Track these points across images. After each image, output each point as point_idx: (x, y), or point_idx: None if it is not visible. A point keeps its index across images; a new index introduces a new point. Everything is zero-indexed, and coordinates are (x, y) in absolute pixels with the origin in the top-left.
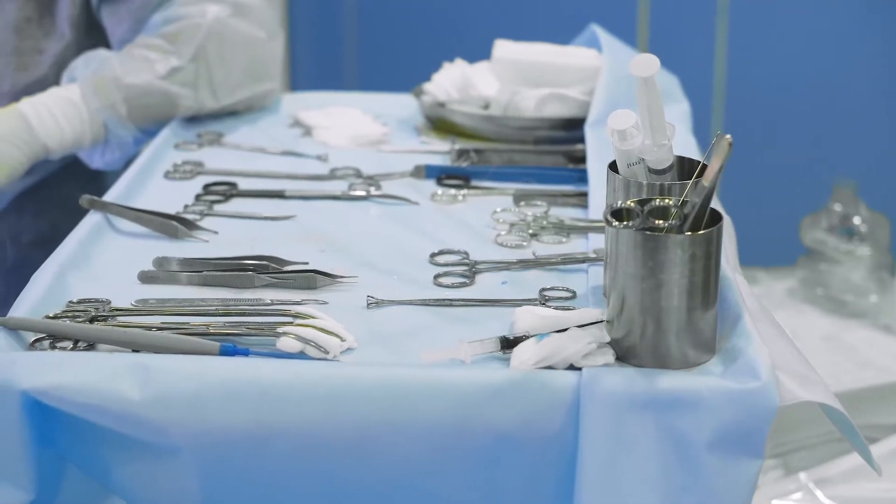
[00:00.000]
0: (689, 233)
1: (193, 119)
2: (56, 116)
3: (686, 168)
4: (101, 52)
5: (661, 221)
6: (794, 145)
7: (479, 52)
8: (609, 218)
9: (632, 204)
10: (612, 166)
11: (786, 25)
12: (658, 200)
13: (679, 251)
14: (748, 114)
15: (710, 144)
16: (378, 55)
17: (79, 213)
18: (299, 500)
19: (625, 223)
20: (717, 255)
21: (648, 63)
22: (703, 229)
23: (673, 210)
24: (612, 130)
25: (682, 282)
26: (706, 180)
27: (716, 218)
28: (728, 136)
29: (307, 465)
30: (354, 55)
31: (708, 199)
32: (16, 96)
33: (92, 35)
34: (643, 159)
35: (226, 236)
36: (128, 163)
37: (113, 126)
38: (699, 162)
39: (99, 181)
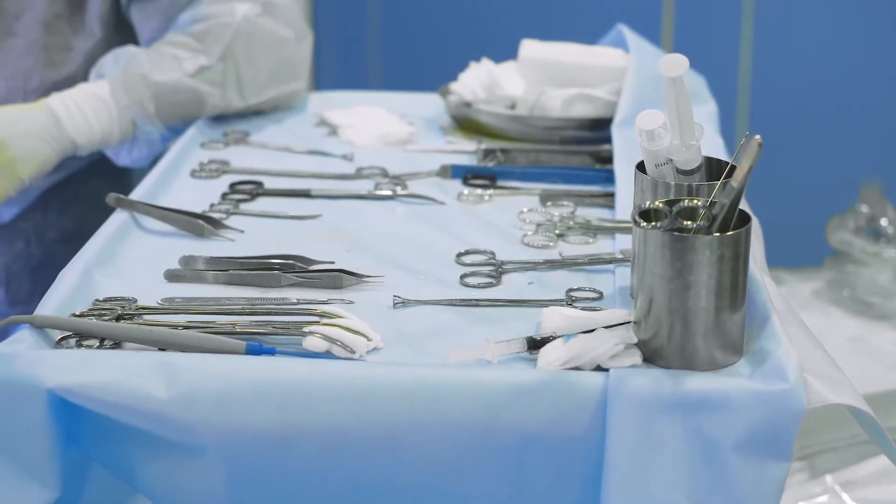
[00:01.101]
0: (718, 234)
1: (220, 118)
2: (85, 112)
3: (714, 169)
4: (130, 49)
5: (689, 222)
6: (820, 146)
7: (502, 51)
8: (637, 218)
9: (660, 204)
10: (640, 167)
11: (811, 25)
12: (686, 201)
13: (707, 252)
14: (773, 114)
15: (739, 145)
16: (402, 55)
17: (104, 211)
18: (325, 500)
19: (653, 224)
20: (746, 256)
21: (677, 63)
22: (732, 230)
23: (701, 211)
24: (641, 131)
25: (710, 283)
26: (735, 181)
27: (744, 219)
28: (758, 136)
29: (333, 465)
30: (378, 55)
31: (737, 200)
32: (45, 93)
33: (121, 33)
34: (671, 160)
35: (252, 235)
36: (154, 161)
37: (141, 123)
38: (727, 163)
39: (125, 178)
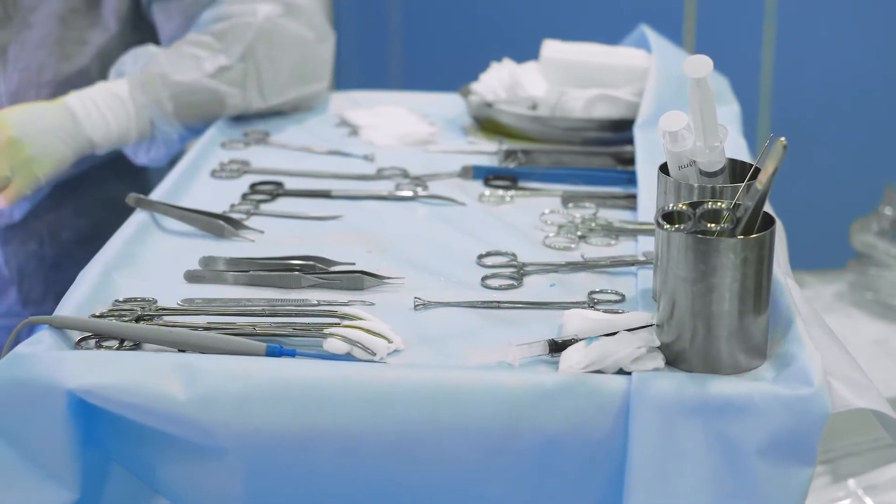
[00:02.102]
0: (742, 237)
1: (240, 118)
2: (102, 111)
3: (738, 170)
4: (149, 49)
5: (712, 225)
6: (843, 147)
7: (522, 52)
8: (660, 221)
9: (683, 207)
10: (663, 168)
11: (833, 26)
12: (710, 203)
13: (731, 255)
14: (795, 115)
15: (763, 147)
16: (422, 54)
17: (120, 212)
18: (345, 502)
19: (676, 226)
20: (770, 259)
21: (701, 64)
22: (756, 233)
23: (725, 213)
24: (664, 132)
25: (733, 286)
26: (760, 183)
27: (768, 221)
28: (783, 139)
29: (353, 468)
30: (398, 54)
31: (761, 202)
32: (57, 86)
33: (138, 29)
34: (695, 161)
35: (272, 236)
36: (173, 160)
37: (159, 123)
38: (751, 165)
39: (142, 179)
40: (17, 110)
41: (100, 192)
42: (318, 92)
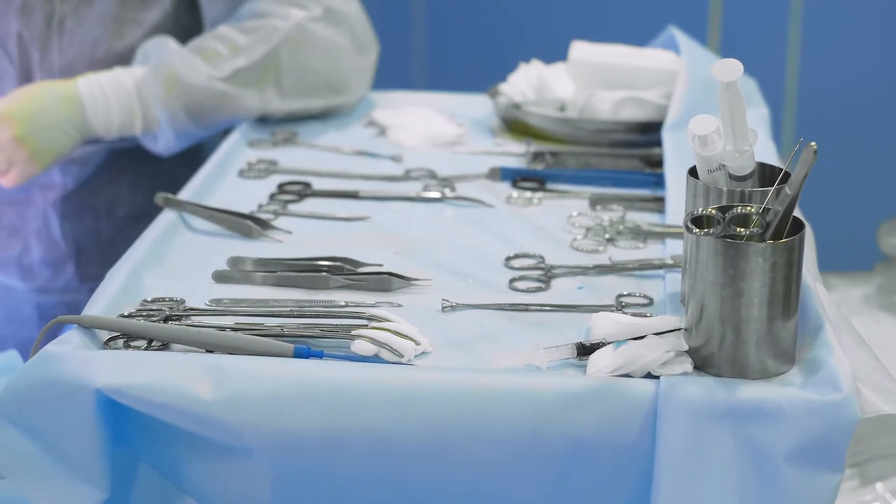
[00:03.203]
0: (771, 241)
1: (267, 118)
2: (109, 103)
3: (767, 174)
4: (168, 43)
5: (742, 229)
6: (869, 150)
7: (542, 53)
8: (689, 225)
9: (713, 211)
10: (692, 171)
11: (859, 27)
12: (739, 208)
13: (760, 259)
14: (821, 118)
15: (792, 151)
16: (446, 55)
17: (175, 188)
18: None
19: (705, 230)
20: (799, 263)
21: (732, 68)
22: (786, 237)
23: (754, 217)
24: (693, 135)
25: (762, 291)
26: (790, 188)
27: (798, 226)
28: (813, 143)
29: (380, 470)
30: (421, 55)
31: (791, 207)
32: (109, 63)
33: (192, 10)
34: (724, 165)
35: (299, 236)
36: (189, 152)
37: (163, 120)
38: (780, 168)
39: (197, 158)
40: (30, 100)
41: (156, 168)
42: (346, 103)
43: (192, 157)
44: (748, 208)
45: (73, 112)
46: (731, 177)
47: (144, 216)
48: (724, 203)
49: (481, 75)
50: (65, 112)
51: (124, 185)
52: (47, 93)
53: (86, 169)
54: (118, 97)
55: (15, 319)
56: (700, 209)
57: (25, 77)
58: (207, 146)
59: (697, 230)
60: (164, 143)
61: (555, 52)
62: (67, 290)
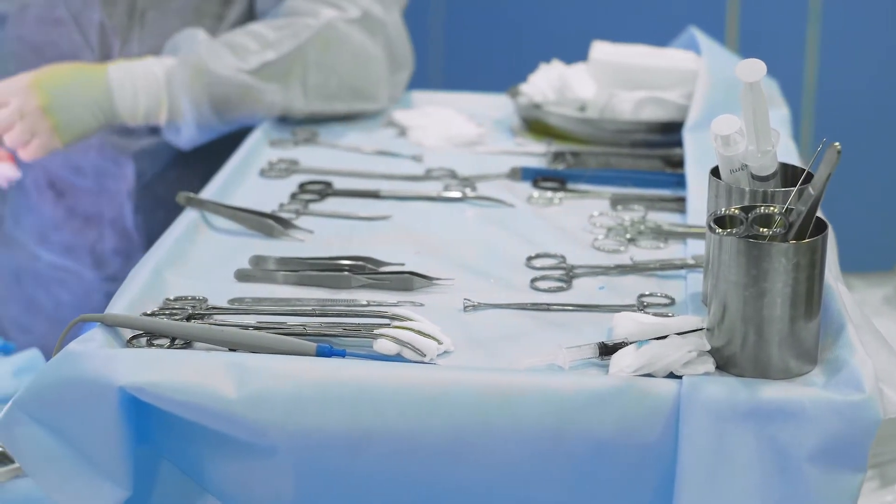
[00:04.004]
0: (794, 241)
1: (288, 117)
2: (136, 90)
3: (789, 174)
4: (198, 34)
5: (765, 229)
6: (887, 150)
7: (558, 53)
8: (712, 225)
9: (735, 211)
10: (714, 172)
11: (878, 28)
12: (763, 208)
13: (783, 260)
14: (840, 117)
15: (815, 151)
16: (464, 55)
17: None
18: (393, 503)
19: (728, 230)
20: (822, 264)
21: (755, 68)
22: (808, 238)
23: (777, 218)
24: (716, 136)
25: (785, 291)
26: (814, 188)
27: (820, 226)
28: (837, 144)
29: (403, 468)
30: (440, 55)
31: (814, 207)
32: None
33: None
34: (746, 165)
35: (321, 236)
36: (214, 152)
37: (188, 110)
38: (802, 169)
39: None
40: (59, 75)
41: (224, 157)
42: (371, 110)
43: None
44: (771, 208)
45: (100, 93)
46: (754, 177)
47: None
48: (746, 203)
49: (498, 75)
50: (92, 92)
51: (195, 180)
52: (78, 72)
53: (157, 161)
54: (146, 84)
55: (85, 307)
56: (723, 209)
57: None
58: None
59: (720, 230)
60: (186, 135)
61: (570, 52)
62: None
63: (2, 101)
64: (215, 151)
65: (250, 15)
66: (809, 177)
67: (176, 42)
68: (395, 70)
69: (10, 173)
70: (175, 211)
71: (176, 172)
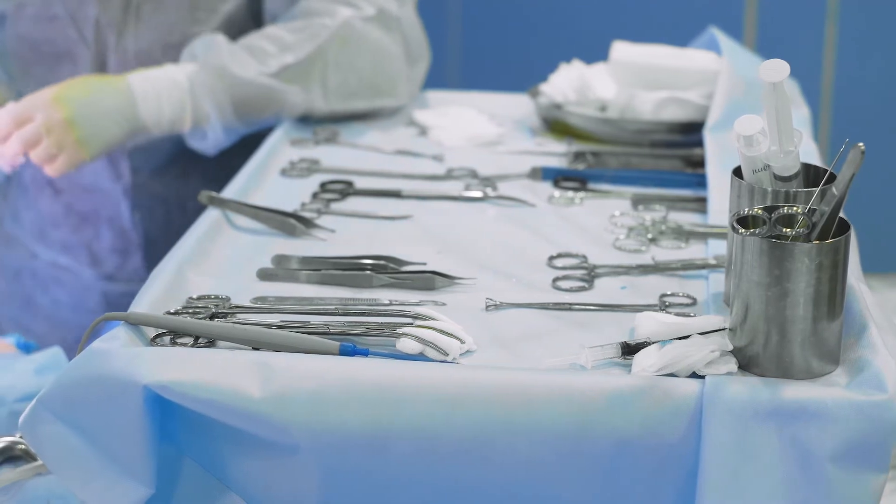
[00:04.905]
0: (817, 241)
1: (310, 116)
2: (160, 97)
3: (811, 175)
4: (217, 39)
5: (787, 229)
6: None
7: (575, 53)
8: (735, 225)
9: (758, 211)
10: (737, 172)
11: (895, 29)
12: (786, 208)
13: (806, 260)
14: (858, 118)
15: (838, 152)
16: (481, 55)
17: None
18: (417, 502)
19: (751, 230)
20: (845, 264)
21: (778, 68)
22: (831, 238)
23: (800, 218)
24: (738, 136)
25: (808, 291)
26: (837, 188)
27: (843, 227)
28: (861, 144)
29: (426, 467)
30: (457, 54)
31: (838, 207)
32: (183, 49)
33: (261, 2)
34: (769, 165)
35: (342, 235)
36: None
37: (213, 114)
38: (824, 169)
39: None
40: (81, 88)
41: (226, 161)
42: (390, 107)
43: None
44: (794, 209)
45: (124, 102)
46: (776, 177)
47: None
48: (768, 203)
49: (516, 75)
50: (116, 101)
51: (195, 179)
52: (98, 83)
53: (153, 159)
54: (170, 91)
55: (80, 306)
56: (746, 209)
57: (100, 61)
58: None
59: (743, 230)
60: (213, 139)
61: (585, 52)
62: (134, 280)
63: (27, 117)
64: (215, 155)
65: (248, 9)
66: (832, 177)
67: (194, 49)
68: (411, 64)
69: (14, 159)
70: (172, 209)
71: (175, 171)
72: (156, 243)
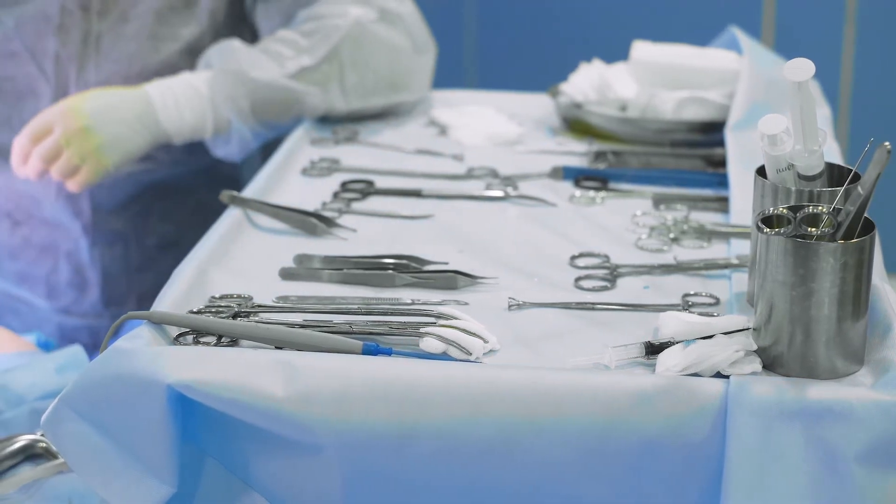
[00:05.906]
0: (843, 241)
1: (329, 116)
2: (180, 104)
3: (834, 174)
4: (233, 44)
5: (812, 229)
6: None
7: (593, 52)
8: (760, 224)
9: (783, 210)
10: (760, 171)
11: None
12: (811, 207)
13: (831, 260)
14: (877, 118)
15: (863, 151)
16: (498, 54)
17: (207, 220)
18: (440, 501)
19: (776, 230)
20: (870, 264)
21: (803, 67)
22: (856, 238)
23: (825, 217)
24: (763, 135)
25: (832, 291)
26: (863, 188)
27: (868, 226)
28: (887, 144)
29: (449, 467)
30: (474, 54)
31: (863, 207)
32: (144, 78)
33: (231, 27)
34: (793, 165)
35: (364, 234)
36: (224, 180)
37: (234, 119)
38: (848, 169)
39: (234, 187)
40: (97, 97)
41: (190, 198)
42: (407, 102)
43: (225, 185)
44: (819, 208)
45: (143, 110)
46: (800, 176)
47: (174, 246)
48: (792, 203)
49: (533, 74)
50: (135, 109)
51: (155, 215)
52: (114, 92)
53: (113, 196)
54: (189, 99)
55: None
56: (770, 209)
57: (61, 94)
58: (245, 174)
59: (768, 230)
60: (237, 143)
61: (603, 51)
62: (91, 314)
63: (44, 131)
64: (176, 190)
65: (213, 34)
66: (856, 177)
67: (209, 56)
68: (420, 56)
69: (38, 177)
70: (132, 246)
71: (135, 208)
72: (114, 278)
